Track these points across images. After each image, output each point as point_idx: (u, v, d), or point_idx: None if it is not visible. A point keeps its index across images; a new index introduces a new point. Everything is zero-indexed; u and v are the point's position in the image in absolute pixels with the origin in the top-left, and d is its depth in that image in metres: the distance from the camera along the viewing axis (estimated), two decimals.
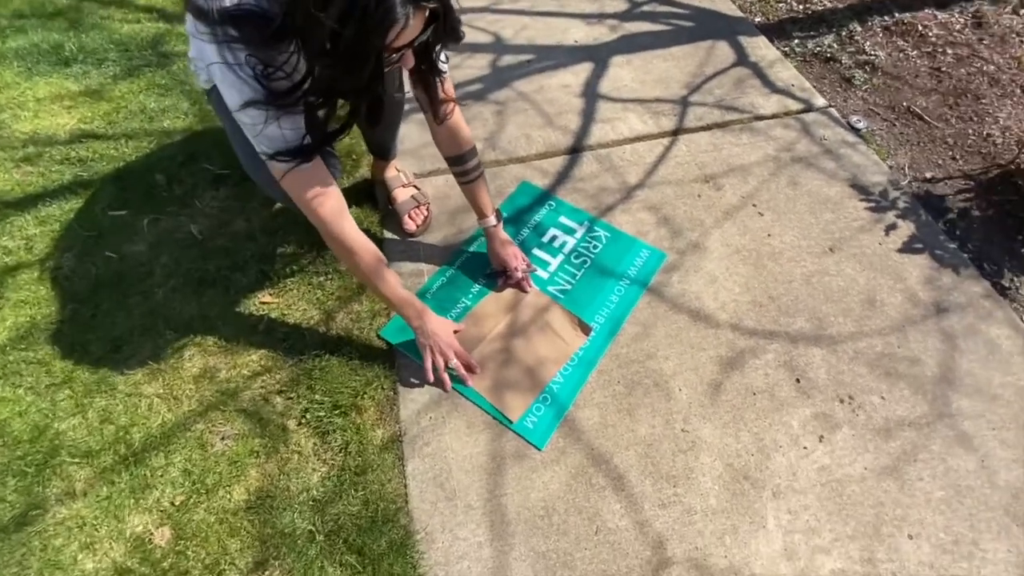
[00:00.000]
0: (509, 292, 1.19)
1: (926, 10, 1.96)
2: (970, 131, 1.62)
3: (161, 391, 1.05)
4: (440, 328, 1.04)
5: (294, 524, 0.92)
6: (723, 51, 1.79)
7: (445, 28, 0.73)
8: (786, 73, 1.73)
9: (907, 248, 1.33)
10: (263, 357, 1.10)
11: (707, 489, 0.98)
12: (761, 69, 1.73)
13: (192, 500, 0.94)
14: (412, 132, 1.49)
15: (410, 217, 1.28)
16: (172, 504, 0.93)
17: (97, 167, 1.39)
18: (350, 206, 1.28)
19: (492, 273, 1.22)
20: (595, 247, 1.29)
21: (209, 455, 0.98)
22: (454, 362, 1.04)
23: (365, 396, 1.05)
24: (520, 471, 0.99)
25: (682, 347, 1.14)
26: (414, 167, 1.42)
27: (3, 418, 1.00)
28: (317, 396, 1.05)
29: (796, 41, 1.85)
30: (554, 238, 1.30)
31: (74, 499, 0.93)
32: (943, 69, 1.79)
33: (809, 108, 1.62)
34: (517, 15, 1.89)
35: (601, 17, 1.89)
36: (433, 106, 0.98)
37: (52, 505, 0.92)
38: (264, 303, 1.17)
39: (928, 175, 1.51)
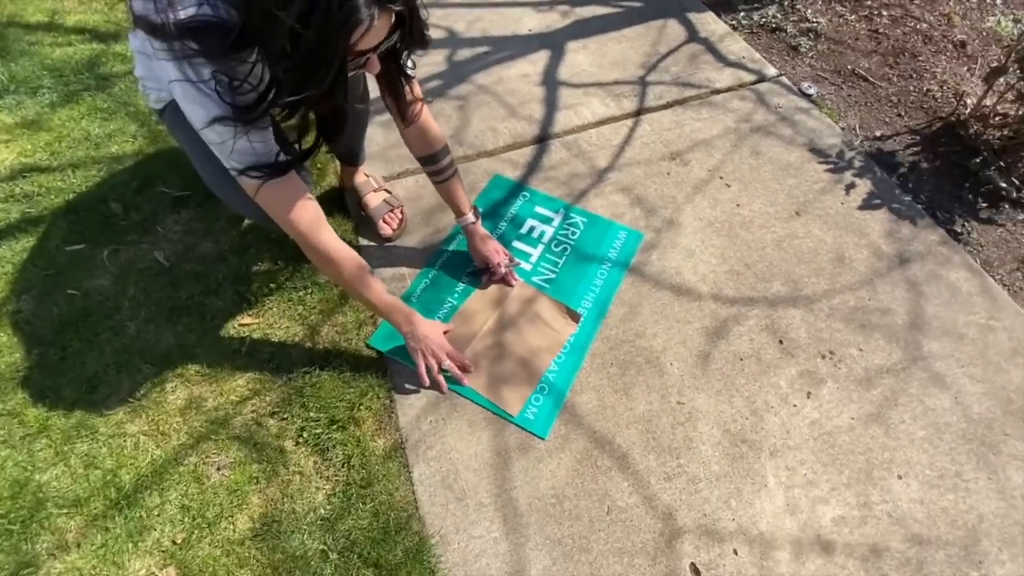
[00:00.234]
0: (495, 287, 1.19)
1: None
2: (911, 88, 1.70)
3: (146, 428, 1.01)
4: (430, 331, 1.04)
5: (305, 546, 0.90)
6: (674, 29, 1.82)
7: (412, 33, 0.72)
8: (736, 46, 1.77)
9: (866, 205, 1.39)
10: (250, 380, 1.07)
11: (708, 457, 1.01)
12: (712, 44, 1.77)
13: (194, 536, 0.91)
14: (376, 135, 1.46)
15: (385, 222, 1.26)
16: (173, 543, 0.90)
17: (45, 201, 1.31)
18: None
19: (475, 271, 1.22)
20: (574, 234, 1.30)
21: (206, 487, 0.95)
22: (447, 363, 1.03)
23: (361, 407, 1.04)
24: (526, 462, 0.99)
25: (669, 322, 1.17)
26: (382, 170, 1.40)
27: None
28: (312, 413, 1.02)
29: (742, 14, 1.90)
30: (532, 229, 1.31)
31: (67, 551, 0.88)
32: (880, 31, 1.87)
33: (762, 78, 1.67)
34: (468, 8, 1.87)
35: (552, 4, 1.90)
36: (401, 110, 0.96)
37: (44, 561, 0.88)
38: (244, 325, 1.14)
39: (878, 133, 1.58)
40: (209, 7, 0.67)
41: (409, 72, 0.90)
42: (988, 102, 1.53)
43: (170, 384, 1.06)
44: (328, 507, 0.94)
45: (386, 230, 1.25)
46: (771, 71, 1.69)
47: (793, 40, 1.81)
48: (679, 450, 1.01)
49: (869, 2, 1.95)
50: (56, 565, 0.87)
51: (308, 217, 0.86)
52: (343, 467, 0.98)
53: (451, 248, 1.26)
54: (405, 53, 0.82)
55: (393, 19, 0.69)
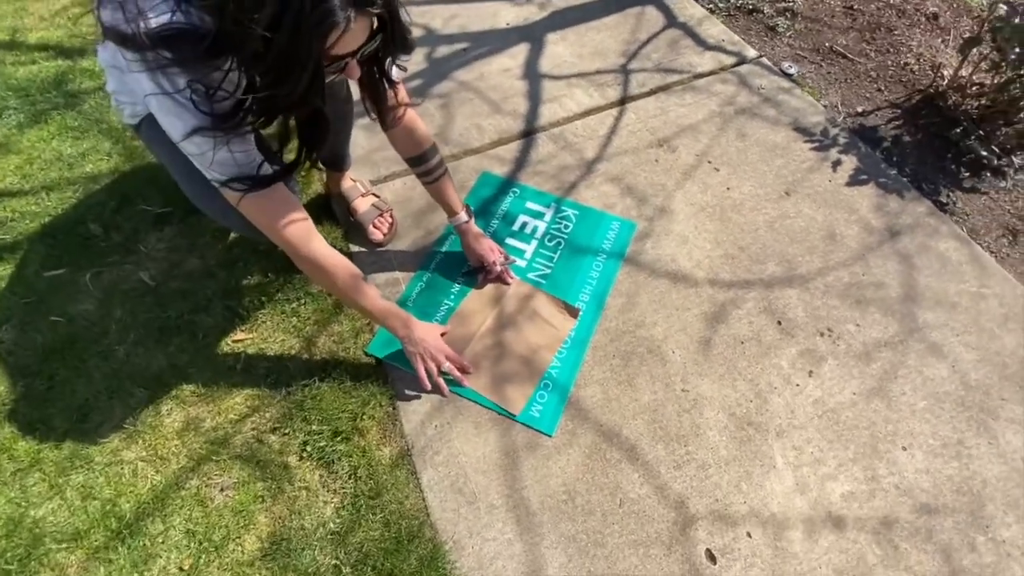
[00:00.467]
0: (491, 286, 1.18)
1: None
2: (889, 63, 1.71)
3: (144, 454, 0.98)
4: (427, 334, 1.02)
5: (316, 562, 0.89)
6: (652, 15, 1.81)
7: (393, 37, 0.70)
8: (715, 29, 1.77)
9: (854, 181, 1.40)
10: (248, 397, 1.04)
11: (716, 442, 1.01)
12: (691, 28, 1.77)
13: (202, 560, 0.88)
14: (360, 138, 1.44)
15: (375, 226, 1.24)
16: (181, 569, 0.88)
17: (20, 227, 1.27)
18: None
19: (470, 270, 1.20)
20: (566, 227, 1.29)
21: (211, 510, 0.93)
22: (447, 365, 1.02)
23: (364, 417, 1.02)
24: (535, 461, 0.98)
25: (668, 311, 1.17)
26: (369, 174, 1.37)
27: None
28: (314, 426, 1.00)
29: None
30: (524, 224, 1.30)
31: None
32: (855, 7, 1.88)
33: (742, 60, 1.67)
34: (444, 4, 1.84)
35: None
36: (381, 115, 0.93)
37: None
38: (237, 341, 1.11)
39: (859, 109, 1.59)
40: (182, 14, 0.65)
41: (394, 78, 0.88)
42: (964, 73, 1.55)
43: (165, 407, 1.03)
44: (337, 521, 0.92)
45: (377, 235, 1.23)
46: (751, 53, 1.69)
47: (770, 20, 1.82)
48: (687, 437, 1.01)
49: None
50: None
51: (296, 226, 0.84)
52: (350, 479, 0.96)
53: (444, 249, 1.25)
54: (388, 59, 0.80)
55: (373, 23, 0.67)
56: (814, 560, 0.90)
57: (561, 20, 1.80)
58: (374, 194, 1.28)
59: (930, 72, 1.65)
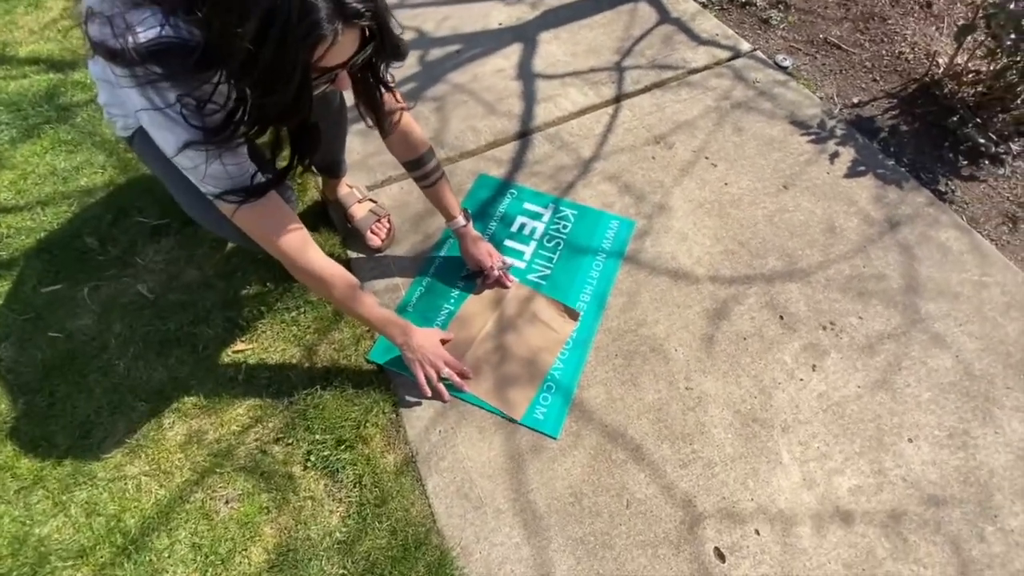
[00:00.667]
0: (491, 290, 1.17)
1: None
2: (884, 52, 1.71)
3: (147, 468, 0.98)
4: (426, 340, 1.01)
5: (323, 572, 0.88)
6: (645, 11, 1.81)
7: (384, 47, 0.69)
8: (708, 24, 1.76)
9: (852, 172, 1.39)
10: (250, 408, 1.04)
11: (721, 439, 1.00)
12: (684, 23, 1.76)
13: (209, 574, 0.88)
14: (356, 144, 1.43)
15: (373, 232, 1.23)
16: None
17: (16, 243, 1.26)
18: None
19: (469, 274, 1.19)
20: (565, 227, 1.28)
21: (216, 523, 0.92)
22: (446, 371, 1.01)
23: (367, 424, 1.01)
24: (541, 464, 0.98)
25: (669, 308, 1.16)
26: (365, 180, 1.37)
27: None
28: (317, 436, 1.00)
29: None
30: (523, 226, 1.29)
31: None
32: None
33: (737, 54, 1.66)
34: (435, 6, 1.83)
35: None
36: (379, 121, 0.93)
37: None
38: (238, 352, 1.11)
39: (855, 100, 1.58)
40: (171, 28, 0.64)
41: (389, 84, 0.88)
42: (959, 60, 1.55)
43: (167, 420, 1.02)
44: (344, 530, 0.92)
45: (375, 241, 1.23)
46: (745, 46, 1.68)
47: (763, 13, 1.81)
48: (692, 436, 1.01)
49: None
50: None
51: (292, 237, 0.83)
52: (355, 487, 0.95)
53: (443, 253, 1.24)
54: (382, 65, 0.79)
55: (365, 33, 0.66)
56: (823, 555, 0.89)
57: (554, 19, 1.79)
58: (371, 199, 1.28)
59: (925, 61, 1.65)
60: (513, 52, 1.69)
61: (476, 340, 1.10)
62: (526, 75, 1.62)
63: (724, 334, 1.13)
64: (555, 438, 1.00)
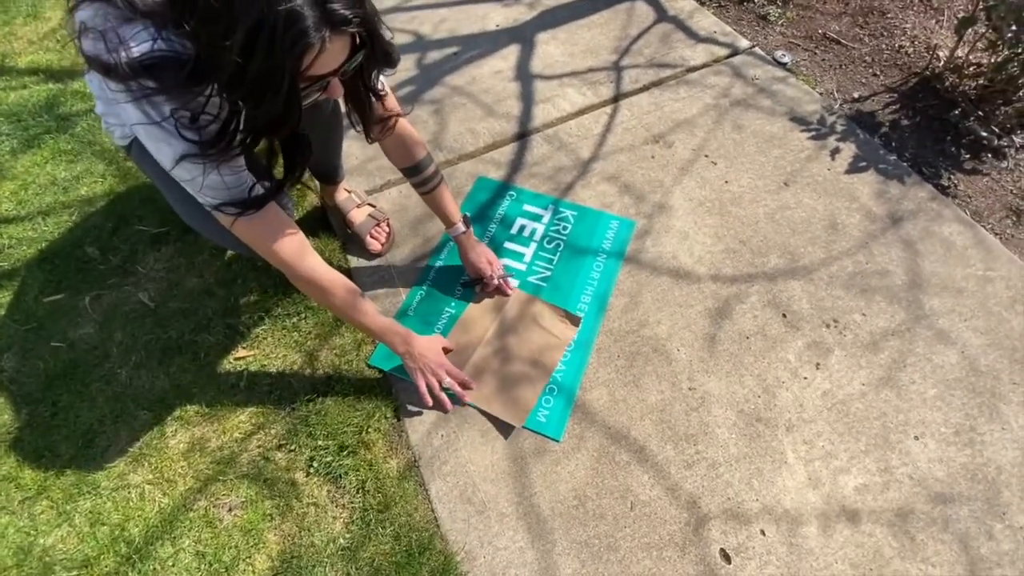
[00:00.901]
0: (491, 296, 1.17)
1: None
2: (883, 46, 1.70)
3: (150, 477, 0.98)
4: (427, 349, 1.01)
5: None
6: (642, 10, 1.80)
7: (375, 54, 0.69)
8: (706, 21, 1.75)
9: (853, 168, 1.38)
10: (252, 415, 1.04)
11: (725, 440, 1.00)
12: (682, 21, 1.75)
13: None
14: (354, 149, 1.43)
15: (372, 237, 1.23)
16: None
17: (17, 253, 1.27)
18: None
19: (468, 281, 1.19)
20: (565, 228, 1.28)
21: (220, 530, 0.92)
22: (447, 381, 1.00)
23: (370, 430, 1.01)
24: (544, 467, 0.98)
25: (671, 308, 1.16)
26: (364, 184, 1.37)
27: None
28: (320, 442, 1.00)
29: None
30: (522, 228, 1.29)
31: None
32: None
33: (735, 51, 1.66)
34: (432, 9, 1.83)
35: None
36: (365, 126, 0.92)
37: None
38: (239, 359, 1.11)
39: (856, 95, 1.57)
40: (163, 41, 0.64)
41: (380, 91, 0.87)
42: (960, 53, 1.53)
43: (170, 428, 1.03)
44: (347, 536, 0.92)
45: (374, 246, 1.23)
46: (743, 43, 1.68)
47: (761, 9, 1.80)
48: (696, 436, 1.00)
49: None
50: None
51: (290, 246, 0.83)
52: (358, 493, 0.95)
53: (444, 257, 1.24)
54: (373, 72, 0.79)
55: (354, 40, 0.65)
56: (830, 555, 0.89)
57: (551, 19, 1.78)
58: (370, 204, 1.28)
59: (925, 54, 1.64)
60: (511, 53, 1.68)
61: (478, 347, 1.10)
62: (524, 76, 1.61)
63: (726, 333, 1.12)
64: (558, 441, 1.00)
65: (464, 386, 1.03)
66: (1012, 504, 0.93)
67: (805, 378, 1.06)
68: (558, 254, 1.24)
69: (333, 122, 1.08)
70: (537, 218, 1.30)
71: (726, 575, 0.87)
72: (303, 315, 1.15)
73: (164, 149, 0.70)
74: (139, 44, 0.63)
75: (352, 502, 0.95)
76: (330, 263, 1.21)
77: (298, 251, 0.84)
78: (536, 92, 1.57)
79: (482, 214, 1.31)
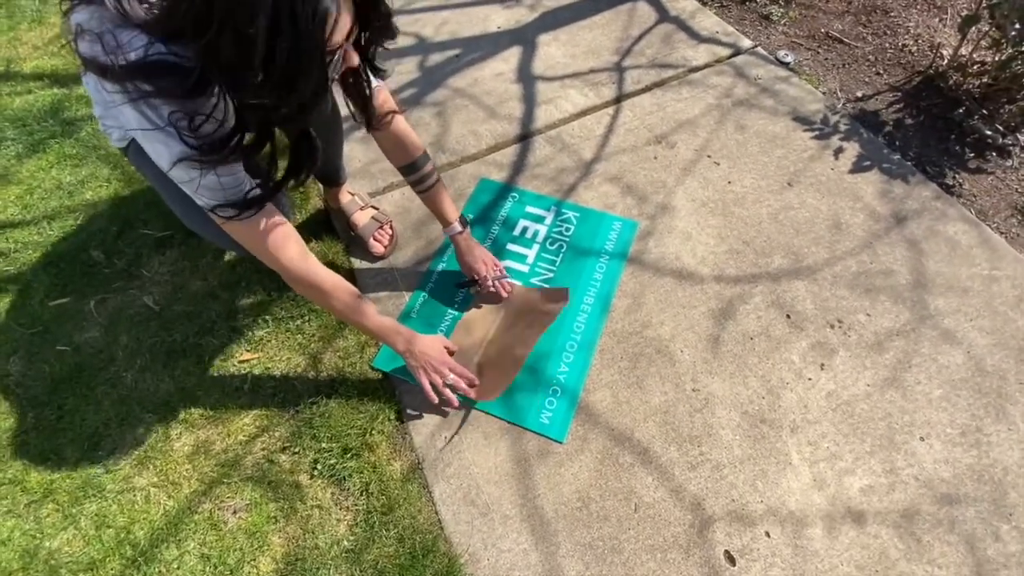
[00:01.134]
0: (493, 293, 1.17)
1: None
2: (887, 45, 1.69)
3: (155, 479, 0.98)
4: (430, 347, 1.00)
5: None
6: (644, 11, 1.80)
7: (376, 17, 0.68)
8: (708, 21, 1.75)
9: (857, 168, 1.38)
10: (256, 418, 1.04)
11: (729, 441, 1.00)
12: (684, 21, 1.75)
13: None
14: (357, 151, 1.43)
15: (375, 239, 1.23)
16: None
17: (23, 257, 1.27)
18: (309, 241, 1.24)
19: (465, 282, 1.18)
20: (568, 230, 1.28)
21: (224, 533, 0.93)
22: (451, 377, 1.00)
23: (373, 432, 1.01)
24: (547, 469, 0.98)
25: (674, 309, 1.15)
26: (367, 187, 1.37)
27: None
28: (323, 444, 1.00)
29: None
30: (525, 229, 1.29)
31: None
32: None
33: (737, 51, 1.65)
34: (433, 11, 1.84)
35: None
36: (366, 113, 0.91)
37: None
38: (243, 361, 1.11)
39: (859, 94, 1.57)
40: (160, 45, 0.64)
41: (375, 82, 0.87)
42: (964, 51, 1.53)
43: (175, 431, 1.03)
44: (351, 538, 0.92)
45: (378, 248, 1.23)
46: (746, 43, 1.67)
47: (764, 9, 1.80)
48: (699, 438, 1.00)
49: None
50: None
51: (289, 248, 0.83)
52: (362, 495, 0.95)
53: (445, 260, 1.24)
54: (373, 47, 0.79)
55: (353, 4, 0.64)
56: (835, 557, 0.88)
57: (552, 20, 1.78)
58: (373, 206, 1.28)
59: (929, 53, 1.63)
60: (512, 55, 1.69)
61: (481, 347, 1.10)
62: (526, 78, 1.62)
63: (730, 334, 1.12)
64: (561, 442, 1.00)
65: (470, 384, 1.02)
66: (1019, 505, 0.93)
67: (809, 379, 1.06)
68: (561, 255, 1.24)
69: (333, 123, 1.08)
70: (540, 220, 1.30)
71: None
72: (307, 318, 1.16)
73: (161, 150, 0.70)
74: (135, 48, 0.63)
75: (356, 504, 0.95)
76: (333, 265, 1.22)
77: (297, 254, 0.84)
78: (538, 93, 1.57)
79: (485, 216, 1.31)
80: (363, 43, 0.75)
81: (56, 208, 1.36)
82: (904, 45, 1.67)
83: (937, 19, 1.74)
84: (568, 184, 1.37)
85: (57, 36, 1.81)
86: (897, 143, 1.44)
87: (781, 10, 1.79)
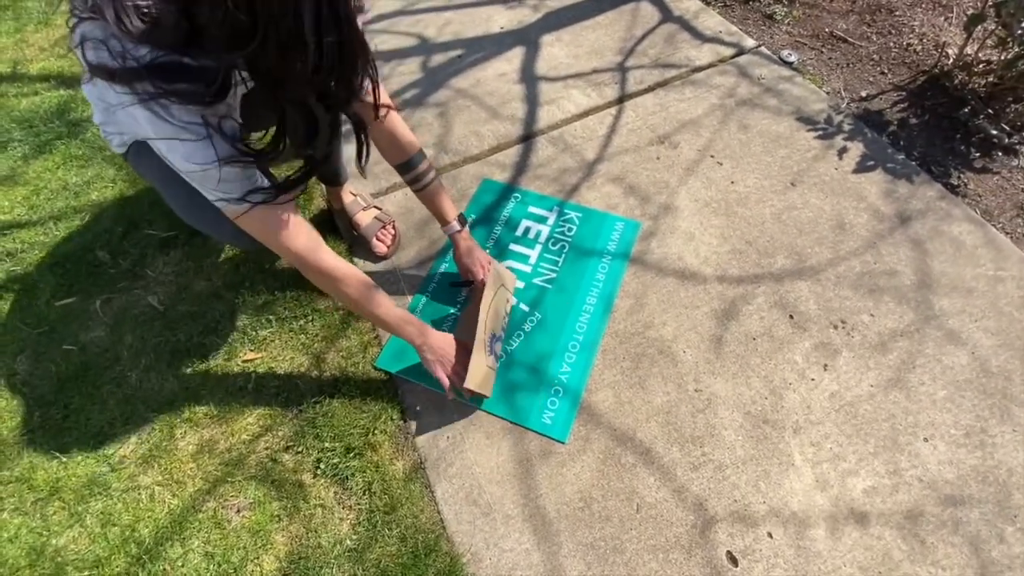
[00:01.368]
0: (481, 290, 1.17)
1: None
2: (891, 44, 1.68)
3: (160, 478, 0.99)
4: (444, 342, 1.00)
5: None
6: (647, 10, 1.80)
7: None
8: (712, 21, 1.75)
9: (861, 168, 1.37)
10: (260, 417, 1.05)
11: (732, 442, 0.99)
12: (687, 21, 1.75)
13: None
14: None
15: (378, 239, 1.24)
16: None
17: (29, 257, 1.29)
18: None
19: (461, 282, 1.18)
20: (570, 230, 1.28)
21: (228, 532, 0.93)
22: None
23: (376, 432, 1.02)
24: (549, 469, 0.98)
25: (677, 310, 1.15)
26: (370, 187, 1.38)
27: None
28: (327, 443, 1.01)
29: None
30: (528, 229, 1.29)
31: None
32: None
33: (741, 51, 1.65)
34: (436, 12, 1.84)
35: None
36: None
37: None
38: (247, 361, 1.12)
39: (863, 94, 1.56)
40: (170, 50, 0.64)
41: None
42: (969, 51, 1.52)
43: (179, 430, 1.04)
44: (354, 537, 0.92)
45: (381, 248, 1.23)
46: (749, 43, 1.67)
47: (767, 8, 1.79)
48: (702, 438, 1.00)
49: None
50: None
51: (303, 238, 0.82)
52: (364, 495, 0.96)
53: (447, 260, 1.24)
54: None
55: None
56: (838, 558, 0.88)
57: (555, 21, 1.79)
58: (376, 207, 1.28)
59: (934, 52, 1.62)
60: (515, 56, 1.69)
61: (481, 341, 1.10)
62: (528, 78, 1.62)
63: (733, 335, 1.11)
64: (563, 443, 1.00)
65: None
66: (1023, 507, 0.92)
67: (812, 379, 1.06)
68: (563, 256, 1.24)
69: (333, 124, 1.08)
70: (542, 220, 1.30)
71: None
72: (310, 318, 1.16)
73: (176, 147, 0.70)
74: (140, 52, 0.63)
75: (359, 503, 0.95)
76: None
77: (311, 242, 0.83)
78: (541, 94, 1.57)
79: (487, 216, 1.31)
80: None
81: (62, 209, 1.37)
82: (909, 44, 1.67)
83: (942, 18, 1.73)
84: (571, 184, 1.37)
85: (63, 38, 1.83)
86: (901, 143, 1.44)
87: (785, 9, 1.78)
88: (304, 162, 0.78)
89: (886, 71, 1.61)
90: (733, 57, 1.63)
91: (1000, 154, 1.41)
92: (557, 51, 1.69)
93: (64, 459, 1.01)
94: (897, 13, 1.75)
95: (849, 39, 1.70)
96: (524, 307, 1.17)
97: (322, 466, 0.99)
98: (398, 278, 1.23)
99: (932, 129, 1.47)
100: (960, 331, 1.11)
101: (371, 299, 0.91)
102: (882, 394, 1.04)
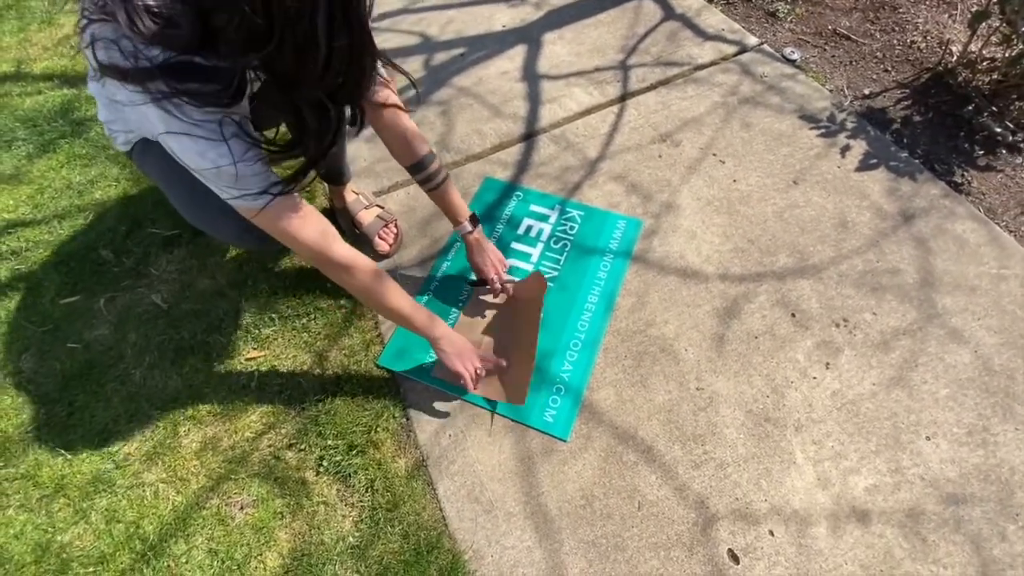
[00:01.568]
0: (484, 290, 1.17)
1: None
2: (895, 42, 1.67)
3: (164, 475, 0.99)
4: (456, 336, 1.00)
5: None
6: (649, 8, 1.79)
7: None
8: (714, 19, 1.74)
9: (864, 166, 1.37)
10: (263, 415, 1.05)
11: (733, 440, 0.99)
12: (690, 19, 1.74)
13: None
14: (362, 151, 1.44)
15: (381, 238, 1.24)
16: None
17: (34, 256, 1.29)
18: None
19: (474, 280, 1.19)
20: (572, 228, 1.28)
21: (231, 528, 0.94)
22: (480, 366, 1.00)
23: (378, 429, 1.02)
24: (551, 466, 0.98)
25: (678, 308, 1.15)
26: (372, 186, 1.38)
27: None
28: (329, 441, 1.01)
29: None
30: (529, 228, 1.29)
31: None
32: None
33: (743, 49, 1.64)
34: (439, 10, 1.84)
35: None
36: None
37: None
38: (250, 359, 1.12)
39: (867, 91, 1.56)
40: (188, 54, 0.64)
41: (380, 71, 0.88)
42: (974, 48, 1.51)
43: (183, 428, 1.04)
44: (357, 534, 0.93)
45: (383, 247, 1.23)
46: (752, 40, 1.66)
47: (770, 6, 1.79)
48: (703, 436, 1.00)
49: None
50: None
51: (317, 230, 0.82)
52: (367, 492, 0.96)
53: (450, 258, 1.25)
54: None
55: None
56: (840, 556, 0.88)
57: (558, 19, 1.78)
58: (378, 205, 1.29)
59: (938, 49, 1.61)
60: (517, 54, 1.69)
61: (482, 341, 1.10)
62: (531, 76, 1.62)
63: (735, 333, 1.11)
64: (565, 440, 1.00)
65: (496, 365, 1.03)
66: None
67: (814, 378, 1.06)
68: (565, 254, 1.24)
69: (337, 121, 1.08)
70: (544, 218, 1.30)
71: (734, 575, 0.87)
72: (313, 316, 1.17)
73: (188, 145, 0.69)
74: (152, 53, 0.64)
75: (361, 501, 0.96)
76: None
77: (324, 233, 0.83)
78: (543, 92, 1.57)
79: (489, 214, 1.31)
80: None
81: (66, 207, 1.38)
82: (912, 42, 1.66)
83: (946, 15, 1.72)
84: (573, 183, 1.37)
85: (67, 37, 1.84)
86: (905, 141, 1.43)
87: (788, 7, 1.77)
88: (306, 157, 0.78)
89: (889, 68, 1.61)
90: (736, 55, 1.63)
91: (1004, 152, 1.40)
92: (559, 49, 1.69)
93: (69, 456, 1.02)
94: (901, 10, 1.75)
95: (852, 36, 1.69)
96: None
97: (325, 463, 0.99)
98: (400, 277, 1.23)
99: (936, 127, 1.46)
100: (963, 329, 1.10)
101: (385, 288, 0.90)
102: (884, 392, 1.04)
